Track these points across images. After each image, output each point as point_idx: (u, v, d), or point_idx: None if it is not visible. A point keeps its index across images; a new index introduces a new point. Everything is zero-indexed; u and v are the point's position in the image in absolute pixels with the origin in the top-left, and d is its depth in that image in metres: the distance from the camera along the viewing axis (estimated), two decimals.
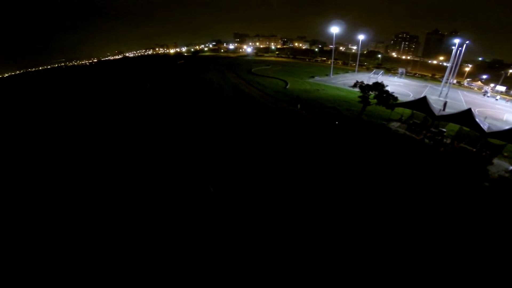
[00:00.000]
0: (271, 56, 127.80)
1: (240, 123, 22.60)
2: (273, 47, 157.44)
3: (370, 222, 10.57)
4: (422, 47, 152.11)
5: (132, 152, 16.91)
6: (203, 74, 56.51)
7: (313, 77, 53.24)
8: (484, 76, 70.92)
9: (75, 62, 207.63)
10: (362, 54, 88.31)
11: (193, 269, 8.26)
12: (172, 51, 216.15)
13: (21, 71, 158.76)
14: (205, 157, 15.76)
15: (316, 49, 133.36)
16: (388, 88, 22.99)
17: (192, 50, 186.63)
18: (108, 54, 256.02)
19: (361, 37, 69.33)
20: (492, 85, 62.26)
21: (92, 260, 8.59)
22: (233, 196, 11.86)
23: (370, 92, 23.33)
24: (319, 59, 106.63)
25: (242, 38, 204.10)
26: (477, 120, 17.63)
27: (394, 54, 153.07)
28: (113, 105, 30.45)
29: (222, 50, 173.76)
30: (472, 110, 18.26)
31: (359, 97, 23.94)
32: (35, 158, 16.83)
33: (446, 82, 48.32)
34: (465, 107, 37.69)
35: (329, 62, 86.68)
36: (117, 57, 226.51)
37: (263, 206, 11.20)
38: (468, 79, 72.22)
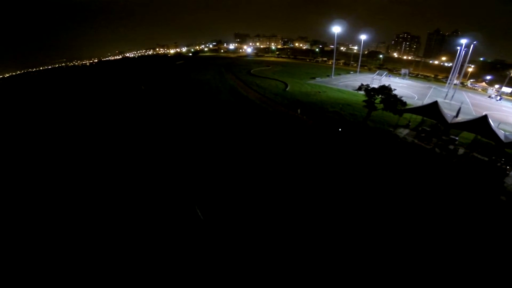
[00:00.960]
0: (271, 56, 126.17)
1: (235, 132, 20.87)
2: (273, 47, 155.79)
3: (377, 240, 9.50)
4: (423, 48, 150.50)
5: (110, 165, 15.65)
6: (201, 75, 55.12)
7: (314, 78, 51.87)
8: (488, 77, 69.37)
9: (76, 62, 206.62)
10: (363, 55, 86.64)
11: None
12: (172, 51, 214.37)
13: (22, 71, 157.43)
14: (188, 181, 13.65)
15: (317, 49, 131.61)
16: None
17: (192, 50, 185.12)
18: (109, 54, 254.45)
19: (363, 37, 67.96)
20: (496, 86, 60.72)
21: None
22: (223, 224, 10.64)
23: (376, 96, 21.85)
24: (320, 59, 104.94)
25: (242, 38, 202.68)
26: (493, 128, 16.22)
27: (395, 55, 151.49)
28: (103, 111, 28.99)
29: (222, 51, 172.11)
30: (488, 117, 16.81)
31: (364, 101, 22.48)
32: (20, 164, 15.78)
33: (455, 85, 46.87)
34: (472, 110, 36.61)
35: (330, 63, 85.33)
36: (117, 57, 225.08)
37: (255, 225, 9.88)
38: (471, 80, 70.63)
